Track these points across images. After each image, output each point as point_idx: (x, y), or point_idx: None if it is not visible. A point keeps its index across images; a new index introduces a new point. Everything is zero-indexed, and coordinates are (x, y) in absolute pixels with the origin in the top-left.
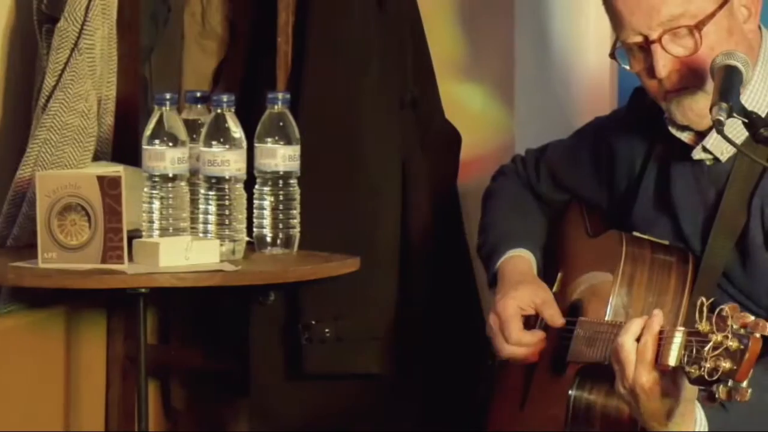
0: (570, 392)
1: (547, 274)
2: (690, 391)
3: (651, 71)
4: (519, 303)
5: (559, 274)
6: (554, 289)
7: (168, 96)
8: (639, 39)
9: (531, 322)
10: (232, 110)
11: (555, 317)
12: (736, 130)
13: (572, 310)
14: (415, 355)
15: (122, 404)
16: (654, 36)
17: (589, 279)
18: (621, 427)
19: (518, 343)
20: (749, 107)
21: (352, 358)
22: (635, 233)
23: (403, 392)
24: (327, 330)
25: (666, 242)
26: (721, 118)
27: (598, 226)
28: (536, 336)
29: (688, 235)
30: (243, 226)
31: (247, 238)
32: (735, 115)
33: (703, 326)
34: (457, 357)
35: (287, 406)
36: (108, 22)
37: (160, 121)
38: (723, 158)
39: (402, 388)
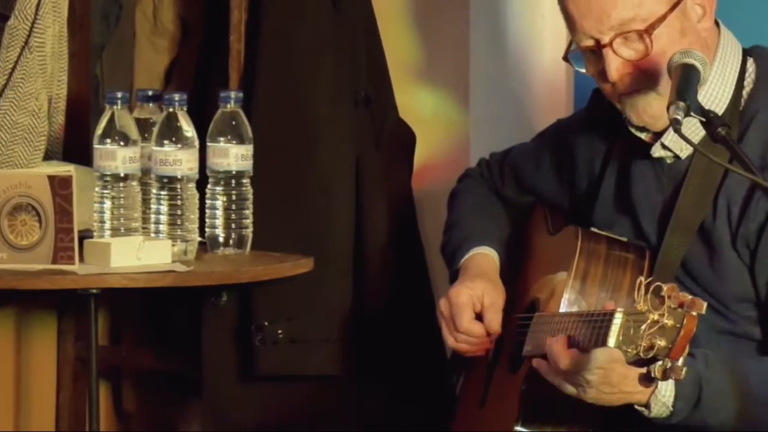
0: (522, 387)
1: (510, 273)
2: None
3: (604, 74)
4: (471, 293)
5: (521, 272)
6: (516, 287)
7: (119, 95)
8: (591, 43)
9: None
10: (185, 109)
11: (493, 324)
12: (694, 128)
13: (531, 308)
14: (369, 356)
15: (73, 406)
16: (605, 40)
17: (546, 275)
18: (571, 418)
19: (466, 331)
20: (708, 105)
21: (305, 359)
22: (592, 229)
23: (357, 393)
24: (280, 331)
25: (623, 238)
26: (679, 117)
27: (559, 225)
28: (484, 330)
29: (648, 232)
30: (195, 226)
31: (200, 239)
32: (692, 114)
33: (641, 306)
34: (412, 357)
35: (240, 407)
36: (59, 20)
37: (111, 120)
38: (683, 155)
39: (355, 389)
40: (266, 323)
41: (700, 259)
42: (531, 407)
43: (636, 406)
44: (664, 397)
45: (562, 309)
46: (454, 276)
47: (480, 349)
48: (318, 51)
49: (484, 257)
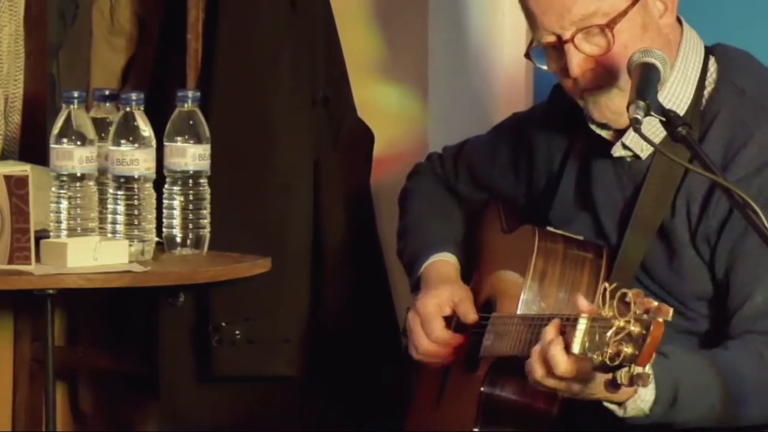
0: (482, 389)
1: (466, 272)
2: None
3: (566, 70)
4: (438, 302)
5: (476, 271)
6: (470, 285)
7: (76, 94)
8: (552, 39)
9: (447, 325)
10: (141, 109)
11: (468, 314)
12: (655, 127)
13: (486, 307)
14: (328, 357)
15: (29, 407)
16: (567, 35)
17: (502, 275)
18: (531, 421)
19: (438, 340)
20: (669, 104)
21: (262, 360)
22: (549, 228)
23: (315, 394)
24: (237, 332)
25: (580, 237)
26: (639, 117)
27: (514, 223)
28: (456, 337)
29: (608, 231)
30: (152, 226)
31: (157, 239)
32: (653, 113)
33: (606, 312)
34: (371, 357)
35: (197, 408)
36: (15, 19)
37: (68, 119)
38: (643, 155)
39: (314, 389)
40: (224, 324)
41: (659, 258)
42: (490, 409)
43: (607, 405)
44: (643, 402)
45: (520, 310)
46: (415, 284)
47: (445, 359)
48: (276, 51)
49: (445, 264)
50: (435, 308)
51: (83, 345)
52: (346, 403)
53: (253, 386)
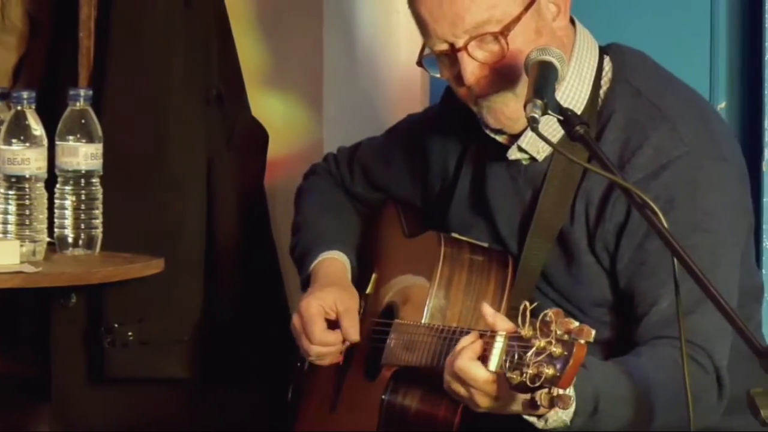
0: (383, 397)
1: (361, 274)
2: None
3: (460, 78)
4: (322, 303)
5: (374, 275)
6: (368, 290)
7: None
8: (445, 47)
9: (337, 325)
10: (33, 107)
11: (351, 331)
12: (552, 128)
13: (387, 312)
14: (222, 358)
15: None
16: (460, 44)
17: (404, 280)
18: (433, 430)
19: (321, 342)
20: (565, 105)
21: (155, 361)
22: (454, 234)
23: (209, 395)
24: (130, 333)
25: (485, 244)
26: (536, 115)
27: (415, 227)
28: (340, 337)
29: (506, 236)
30: (44, 226)
31: (48, 239)
32: (550, 112)
33: (525, 331)
34: (265, 358)
35: (90, 410)
36: None
37: None
38: (539, 158)
39: (208, 391)
40: (116, 325)
41: (558, 265)
42: (392, 417)
43: (527, 417)
44: (565, 414)
45: (426, 318)
46: (305, 282)
47: (337, 357)
48: (169, 48)
49: (334, 262)
50: (317, 310)
51: None
52: (240, 403)
53: (147, 388)
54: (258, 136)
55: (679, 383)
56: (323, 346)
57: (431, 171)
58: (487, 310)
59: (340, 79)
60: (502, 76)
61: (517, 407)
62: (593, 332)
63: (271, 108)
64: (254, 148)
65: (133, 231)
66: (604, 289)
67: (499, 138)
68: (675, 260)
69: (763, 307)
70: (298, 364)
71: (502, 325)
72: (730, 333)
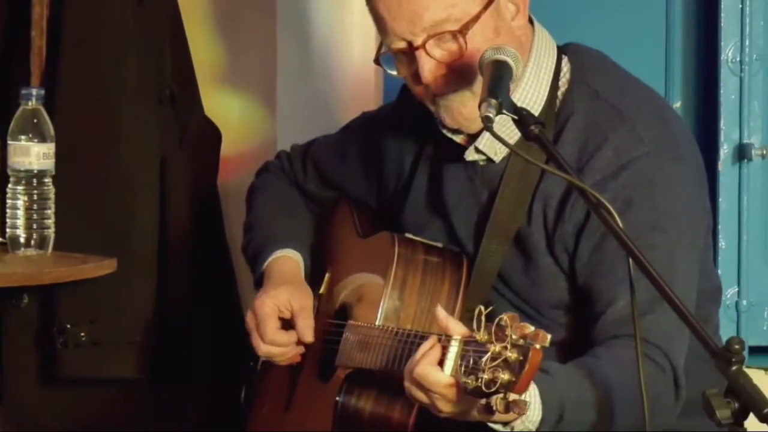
0: (337, 398)
1: (314, 274)
2: None
3: (417, 77)
4: (276, 302)
5: (327, 275)
6: (321, 289)
7: None
8: (403, 45)
9: (291, 323)
10: None
11: (306, 331)
12: (510, 129)
13: (340, 313)
14: (174, 358)
15: None
16: (418, 42)
17: (358, 281)
18: (389, 431)
19: (273, 342)
20: (523, 105)
21: (108, 362)
22: (408, 235)
23: (162, 396)
24: (83, 334)
25: (440, 244)
26: (490, 115)
27: (368, 226)
28: (293, 337)
29: (462, 237)
30: None
31: (0, 239)
32: (505, 111)
33: (481, 336)
34: (218, 359)
35: (42, 410)
36: None
37: None
38: (497, 159)
39: (160, 391)
40: (69, 326)
41: (515, 266)
42: (346, 418)
43: (492, 425)
44: (531, 422)
45: (380, 319)
46: (258, 280)
47: (294, 357)
48: (121, 48)
49: (288, 260)
50: (271, 309)
51: None
52: (192, 404)
53: (99, 388)
54: (211, 135)
55: (636, 384)
56: (274, 345)
57: (386, 169)
58: (440, 313)
59: (294, 77)
60: (460, 75)
61: (476, 413)
62: (549, 337)
63: (224, 106)
64: (207, 148)
65: (86, 231)
66: (562, 291)
67: (457, 138)
68: (630, 260)
69: (721, 308)
70: (251, 363)
71: (456, 328)
72: (687, 332)
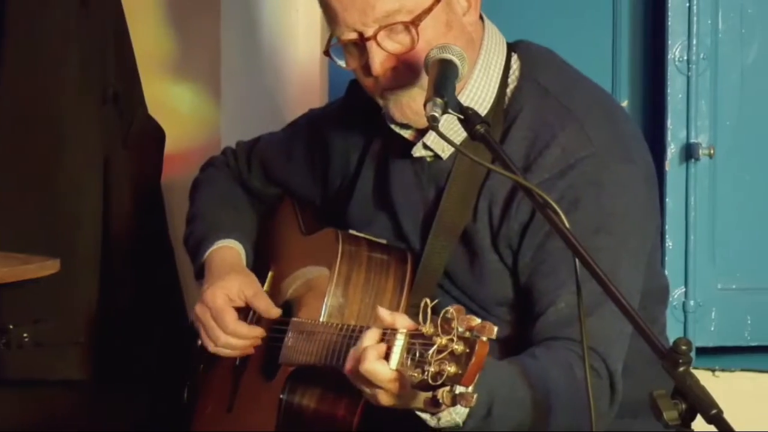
0: (281, 396)
1: (257, 271)
2: None
3: (367, 69)
4: (227, 293)
5: (270, 273)
6: (265, 287)
7: None
8: (354, 36)
9: (242, 315)
10: None
11: (269, 308)
12: (457, 127)
13: (284, 310)
14: (117, 359)
15: None
16: (369, 33)
17: (302, 278)
18: (332, 429)
19: (234, 333)
20: (472, 103)
21: (51, 363)
22: (352, 231)
23: (105, 396)
24: (25, 335)
25: (384, 241)
26: (436, 114)
27: (312, 223)
28: (254, 330)
29: (408, 233)
30: None
31: None
32: (450, 111)
33: (427, 329)
34: (161, 358)
35: None
36: None
37: None
38: (444, 155)
39: (104, 392)
40: (11, 326)
41: (461, 263)
42: (290, 417)
43: (420, 414)
44: (457, 414)
45: (324, 316)
46: (198, 270)
47: (248, 348)
48: (64, 48)
49: (229, 250)
50: (224, 300)
51: None
52: (136, 404)
53: (43, 389)
54: (154, 134)
55: (573, 388)
56: (236, 337)
57: (332, 166)
58: (383, 312)
59: (238, 74)
60: (411, 69)
61: (417, 404)
62: (495, 329)
63: (168, 104)
64: (150, 147)
65: (29, 231)
66: (507, 288)
67: (405, 133)
68: (576, 261)
69: (668, 309)
70: (198, 343)
71: (402, 322)
72: (626, 337)
